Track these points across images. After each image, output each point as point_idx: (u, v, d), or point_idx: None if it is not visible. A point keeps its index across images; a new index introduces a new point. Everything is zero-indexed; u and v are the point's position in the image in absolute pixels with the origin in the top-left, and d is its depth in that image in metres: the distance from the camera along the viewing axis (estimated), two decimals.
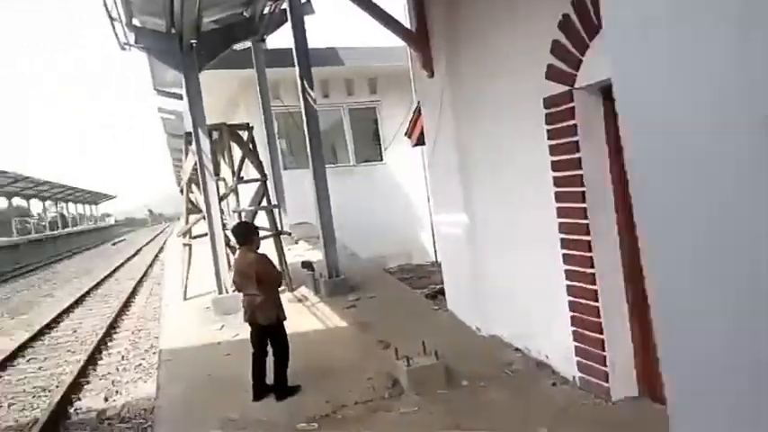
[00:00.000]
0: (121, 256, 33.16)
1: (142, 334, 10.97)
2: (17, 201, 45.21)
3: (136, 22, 8.46)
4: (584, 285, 4.68)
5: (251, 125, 8.83)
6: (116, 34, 7.78)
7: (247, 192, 10.47)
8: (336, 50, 14.08)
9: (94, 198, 68.45)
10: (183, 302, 9.19)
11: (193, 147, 8.24)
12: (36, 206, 55.02)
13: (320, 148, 8.59)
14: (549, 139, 4.93)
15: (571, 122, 4.69)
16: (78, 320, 13.42)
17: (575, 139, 4.68)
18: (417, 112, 11.65)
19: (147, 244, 42.93)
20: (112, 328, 11.69)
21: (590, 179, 4.64)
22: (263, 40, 10.20)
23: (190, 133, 8.55)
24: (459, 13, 6.09)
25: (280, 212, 9.48)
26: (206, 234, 8.73)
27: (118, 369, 8.73)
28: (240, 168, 8.57)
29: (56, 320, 13.37)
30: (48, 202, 54.25)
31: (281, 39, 12.31)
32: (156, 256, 28.74)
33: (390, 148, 15.84)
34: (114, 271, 24.55)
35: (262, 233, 9.25)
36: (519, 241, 5.60)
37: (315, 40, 10.99)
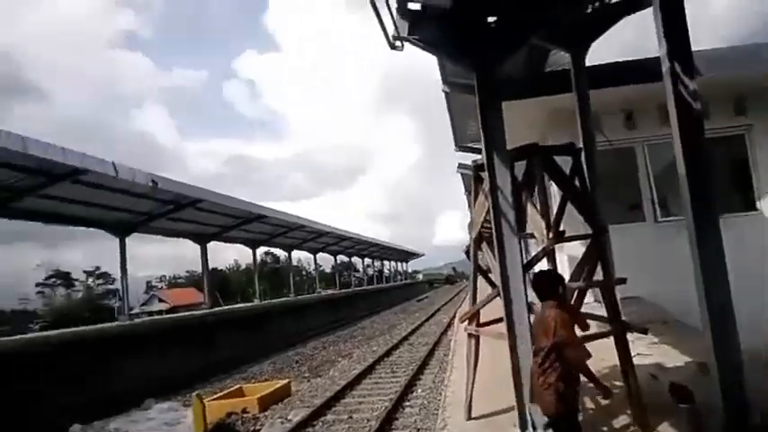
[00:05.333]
0: (422, 315, 32.22)
1: None
2: (340, 257, 49.02)
3: (413, 5, 5.77)
4: None
5: (578, 147, 5.36)
6: (383, 27, 5.21)
7: (563, 256, 6.93)
8: None
9: (404, 256, 72.07)
10: (467, 424, 5.88)
11: (486, 185, 5.11)
12: (358, 263, 59.79)
13: (710, 189, 4.60)
14: None
15: None
16: (360, 398, 11.27)
17: None
18: None
19: (446, 303, 41.92)
20: (389, 420, 9.07)
21: None
22: (597, 27, 6.55)
23: (480, 165, 5.48)
24: None
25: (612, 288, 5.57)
26: (500, 320, 5.38)
27: None
28: (560, 218, 5.06)
29: (340, 393, 11.52)
30: (367, 260, 58.37)
31: (597, 54, 8.48)
32: (453, 318, 26.68)
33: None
34: (412, 332, 23.06)
35: (596, 324, 5.59)
36: None
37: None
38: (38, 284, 63.50)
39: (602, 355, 6.36)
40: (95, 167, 12.30)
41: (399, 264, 74.52)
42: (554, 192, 8.28)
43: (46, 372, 12.00)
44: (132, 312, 29.42)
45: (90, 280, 65.88)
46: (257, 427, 9.49)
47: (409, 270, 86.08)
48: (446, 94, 11.85)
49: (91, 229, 17.79)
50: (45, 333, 18.60)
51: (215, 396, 11.75)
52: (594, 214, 5.24)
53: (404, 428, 8.72)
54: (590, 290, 5.79)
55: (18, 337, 16.72)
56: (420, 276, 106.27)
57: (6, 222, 14.53)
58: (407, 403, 10.34)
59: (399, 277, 74.03)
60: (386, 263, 67.42)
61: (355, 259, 53.49)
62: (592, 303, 6.95)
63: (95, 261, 64.95)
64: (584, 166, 6.03)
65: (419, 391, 11.36)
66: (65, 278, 65.22)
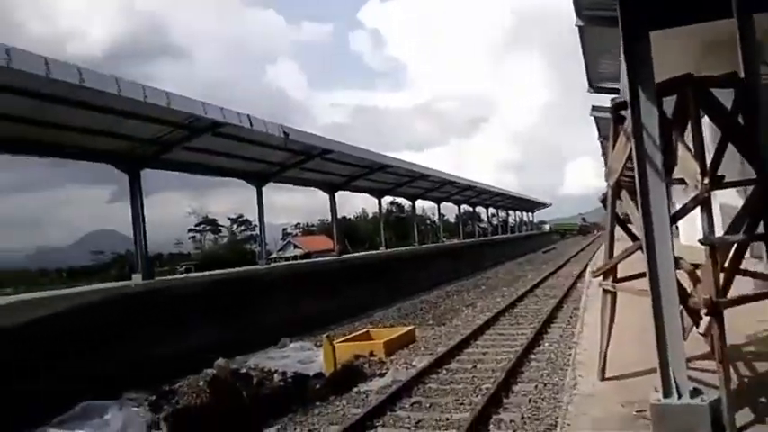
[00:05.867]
0: (549, 267, 31.23)
1: (546, 394, 7.73)
2: (463, 207, 48.47)
3: None
4: None
5: (741, 77, 4.57)
6: None
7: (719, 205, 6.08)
8: None
9: (530, 206, 69.72)
10: (600, 384, 5.47)
11: (627, 125, 4.52)
12: (483, 212, 58.81)
13: None
14: None
15: None
16: (483, 349, 11.15)
17: None
18: None
19: (575, 255, 40.20)
20: (514, 373, 8.84)
21: None
22: None
23: (621, 103, 4.87)
24: None
25: None
26: (643, 275, 4.86)
27: None
28: (718, 161, 4.35)
29: (464, 343, 11.48)
30: (491, 210, 57.27)
31: None
32: (582, 271, 25.48)
33: None
34: (538, 284, 22.42)
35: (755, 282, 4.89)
36: None
37: None
38: (190, 230, 70.54)
39: (765, 317, 5.63)
40: (232, 120, 12.92)
41: (525, 214, 72.35)
42: (707, 132, 7.31)
43: (197, 309, 13.22)
44: (270, 257, 31.61)
45: (234, 226, 71.52)
46: (383, 371, 9.74)
47: (535, 220, 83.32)
48: (579, 28, 10.85)
49: (232, 179, 19.02)
50: (200, 274, 20.45)
51: (344, 338, 12.26)
52: (762, 157, 4.46)
53: (530, 382, 8.47)
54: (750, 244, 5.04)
55: (184, 276, 18.59)
56: (547, 227, 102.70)
57: (161, 173, 16.00)
58: (533, 356, 10.04)
59: (525, 228, 72.04)
60: (511, 213, 65.76)
61: (479, 209, 52.70)
62: (750, 259, 6.11)
63: (238, 209, 70.19)
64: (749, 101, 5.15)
65: (546, 344, 10.99)
66: (212, 224, 71.53)
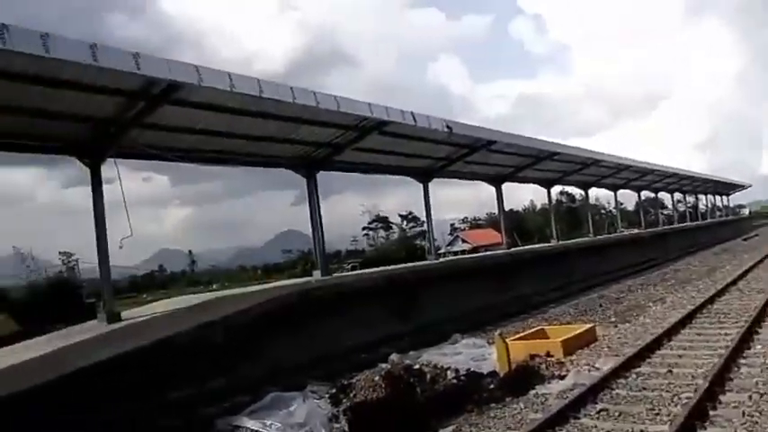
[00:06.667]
0: (753, 255, 27.15)
1: (764, 407, 6.48)
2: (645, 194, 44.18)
3: None
4: None
5: None
6: None
7: None
8: None
9: (725, 188, 61.32)
10: None
11: None
12: (666, 198, 53.30)
13: None
14: None
15: None
16: (679, 350, 9.83)
17: None
18: None
19: None
20: (720, 380, 7.59)
21: None
22: None
23: None
24: None
25: None
26: None
27: None
28: None
29: (655, 343, 10.23)
30: (677, 195, 51.57)
31: None
32: None
33: None
34: (740, 276, 19.48)
35: None
36: None
37: None
38: (364, 228, 74.41)
39: None
40: (396, 118, 13.03)
41: (718, 197, 63.96)
42: None
43: (369, 304, 13.62)
44: (439, 252, 31.81)
45: (404, 223, 73.75)
46: (562, 373, 9.02)
47: (731, 204, 73.26)
48: None
49: (399, 176, 19.36)
50: (369, 270, 21.16)
51: (517, 336, 11.67)
52: None
53: (741, 391, 7.21)
54: None
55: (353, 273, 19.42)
56: (746, 211, 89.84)
57: (337, 175, 16.86)
58: (743, 361, 8.58)
59: (719, 213, 63.71)
60: (701, 197, 58.56)
61: (662, 195, 47.74)
62: None
63: (407, 205, 72.32)
64: None
65: (758, 347, 9.36)
66: (383, 222, 74.62)
